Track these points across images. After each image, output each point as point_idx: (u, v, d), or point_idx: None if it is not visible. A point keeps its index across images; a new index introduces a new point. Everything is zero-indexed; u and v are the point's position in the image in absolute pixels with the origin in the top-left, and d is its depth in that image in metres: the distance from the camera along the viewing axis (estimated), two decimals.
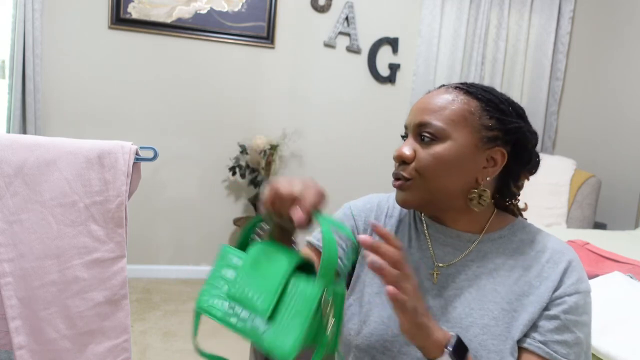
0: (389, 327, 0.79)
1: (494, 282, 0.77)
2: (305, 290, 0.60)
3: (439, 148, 0.76)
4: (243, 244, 0.71)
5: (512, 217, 0.86)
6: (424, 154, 0.76)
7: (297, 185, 0.64)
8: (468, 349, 0.68)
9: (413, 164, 0.77)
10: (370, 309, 0.82)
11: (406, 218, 0.90)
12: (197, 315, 0.68)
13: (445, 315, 0.78)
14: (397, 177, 0.79)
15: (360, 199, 0.95)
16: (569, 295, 0.74)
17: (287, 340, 0.59)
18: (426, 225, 0.86)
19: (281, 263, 0.64)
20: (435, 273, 0.81)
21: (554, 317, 0.73)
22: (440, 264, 0.81)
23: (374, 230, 0.65)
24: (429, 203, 0.79)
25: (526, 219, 0.88)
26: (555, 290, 0.74)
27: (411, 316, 0.63)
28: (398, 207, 0.92)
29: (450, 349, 0.65)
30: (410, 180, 0.77)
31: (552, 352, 0.72)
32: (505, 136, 0.78)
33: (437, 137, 0.76)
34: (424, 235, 0.85)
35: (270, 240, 0.70)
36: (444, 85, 0.83)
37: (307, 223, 0.63)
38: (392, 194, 0.94)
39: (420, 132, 0.77)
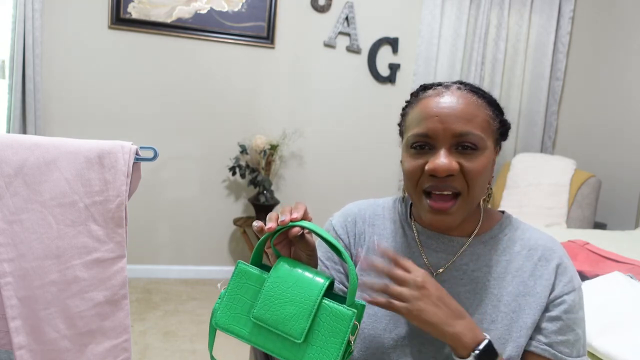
0: (385, 339, 0.77)
1: (490, 285, 0.77)
2: (337, 310, 0.63)
3: (484, 158, 0.73)
4: (257, 260, 0.71)
5: (498, 213, 0.85)
6: (472, 165, 0.72)
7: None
8: (498, 354, 0.68)
9: (460, 177, 0.72)
10: (363, 322, 0.80)
11: (391, 225, 0.86)
12: (213, 331, 0.68)
13: None
14: (442, 194, 0.72)
15: (340, 212, 0.91)
16: (567, 294, 0.74)
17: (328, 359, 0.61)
18: (417, 233, 0.83)
19: (310, 284, 0.64)
20: None
21: (557, 319, 0.73)
22: (440, 270, 0.79)
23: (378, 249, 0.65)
24: (463, 218, 0.76)
25: (503, 211, 0.88)
26: (552, 290, 0.75)
27: (425, 317, 0.64)
28: (380, 214, 0.88)
29: (477, 353, 0.65)
30: (459, 198, 0.72)
31: (557, 354, 0.72)
32: (502, 136, 0.80)
33: (478, 146, 0.72)
34: (416, 243, 0.82)
35: (287, 258, 0.70)
36: (444, 85, 0.78)
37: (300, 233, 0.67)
38: (374, 200, 0.91)
39: (460, 142, 0.72)
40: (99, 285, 0.83)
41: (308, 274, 0.65)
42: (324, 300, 0.63)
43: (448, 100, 0.74)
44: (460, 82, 0.79)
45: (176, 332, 2.34)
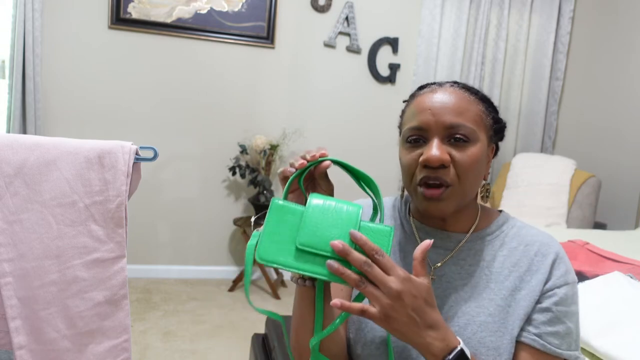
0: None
1: (487, 279, 0.79)
2: (377, 228, 0.68)
3: (474, 150, 0.75)
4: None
5: (496, 211, 0.87)
6: (463, 156, 0.74)
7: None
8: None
9: (452, 169, 0.74)
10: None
11: (390, 223, 0.88)
12: (249, 267, 0.69)
13: (442, 315, 0.77)
14: (434, 183, 0.74)
15: None
16: (559, 287, 0.76)
17: None
18: (416, 229, 0.85)
19: (347, 209, 0.69)
20: (431, 277, 0.81)
21: (546, 310, 0.75)
22: (438, 264, 0.81)
23: (352, 239, 0.65)
24: (457, 208, 0.77)
25: (501, 211, 0.89)
26: (546, 282, 0.76)
27: (395, 326, 0.62)
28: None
29: None
30: (450, 187, 0.74)
31: (546, 344, 0.74)
32: (497, 134, 0.83)
33: (469, 139, 0.75)
34: (414, 239, 0.85)
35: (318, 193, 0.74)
36: (438, 83, 0.81)
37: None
38: (370, 200, 0.93)
39: (452, 134, 0.74)
40: (99, 285, 0.83)
41: (341, 203, 0.70)
42: (362, 222, 0.68)
43: (440, 96, 0.77)
44: (454, 82, 0.82)
45: (176, 332, 2.34)
